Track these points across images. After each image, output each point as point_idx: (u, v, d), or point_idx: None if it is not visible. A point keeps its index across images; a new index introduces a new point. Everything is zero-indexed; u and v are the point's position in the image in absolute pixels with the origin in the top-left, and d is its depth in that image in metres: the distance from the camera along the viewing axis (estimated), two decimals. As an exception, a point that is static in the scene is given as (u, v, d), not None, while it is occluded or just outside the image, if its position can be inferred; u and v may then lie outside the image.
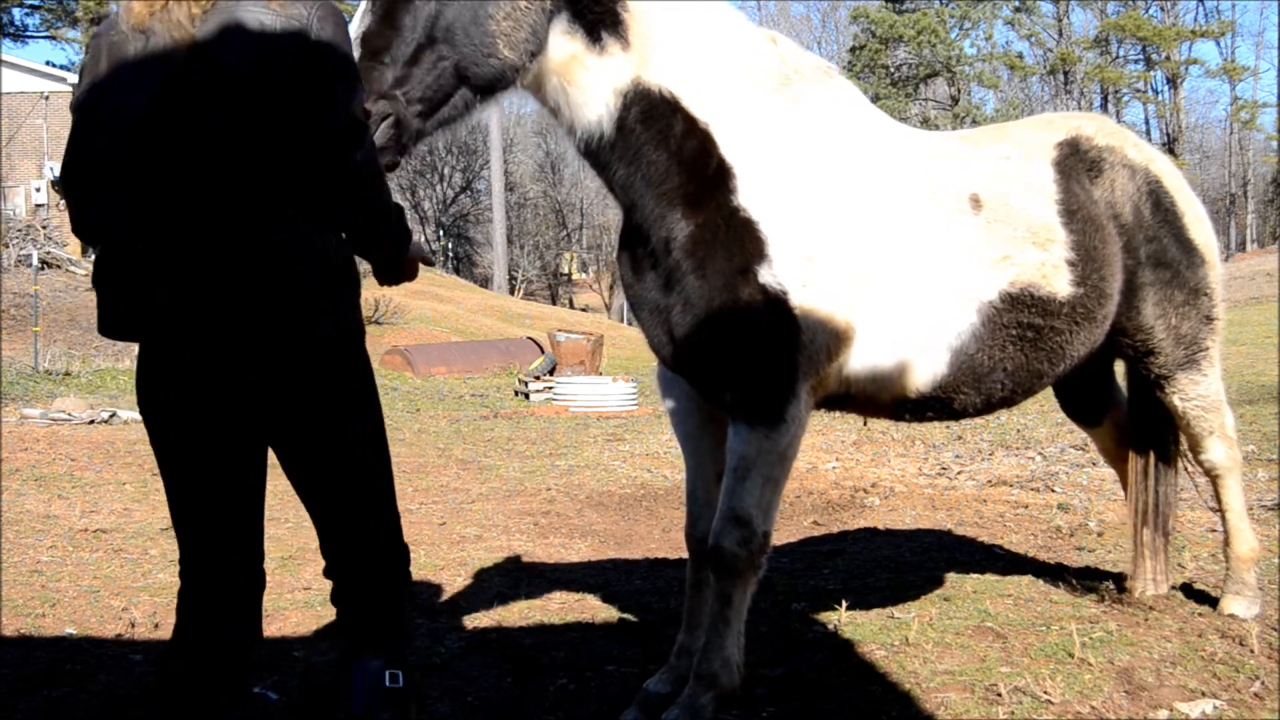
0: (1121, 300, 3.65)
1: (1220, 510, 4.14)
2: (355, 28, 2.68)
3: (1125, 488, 4.39)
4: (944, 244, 3.22)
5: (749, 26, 3.18)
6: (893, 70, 47.33)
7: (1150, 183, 3.73)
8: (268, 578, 5.29)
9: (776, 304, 2.90)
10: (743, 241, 2.90)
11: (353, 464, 2.56)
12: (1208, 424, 3.97)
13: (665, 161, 2.96)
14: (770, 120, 3.05)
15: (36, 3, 43.12)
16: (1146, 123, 51.27)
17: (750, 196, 2.95)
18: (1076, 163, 3.61)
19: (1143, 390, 4.04)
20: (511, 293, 44.65)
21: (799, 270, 2.92)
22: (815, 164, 3.07)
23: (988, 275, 3.28)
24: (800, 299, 2.92)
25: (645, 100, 2.93)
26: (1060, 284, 3.39)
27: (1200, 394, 3.92)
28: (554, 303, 49.73)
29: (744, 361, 2.94)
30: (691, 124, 2.96)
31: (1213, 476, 4.08)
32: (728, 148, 2.97)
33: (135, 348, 2.59)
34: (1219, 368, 3.98)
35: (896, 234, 3.14)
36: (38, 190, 32.12)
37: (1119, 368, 4.28)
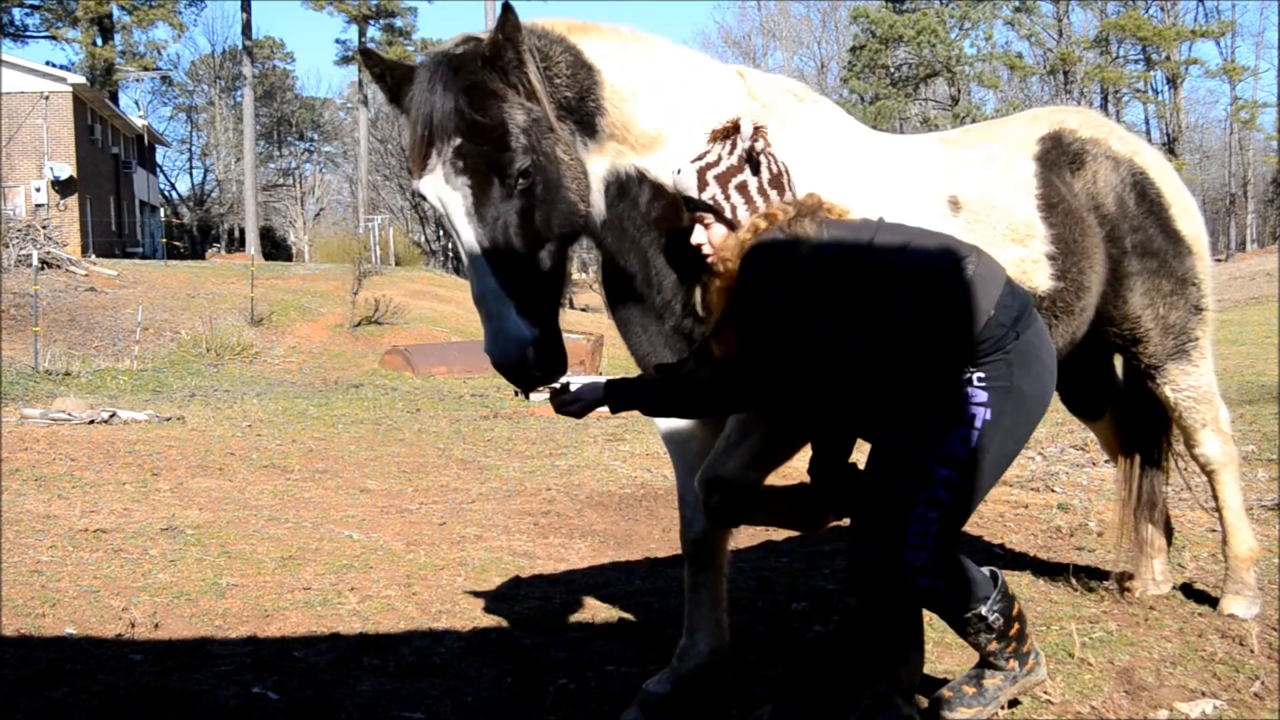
0: (1108, 289, 3.67)
1: (1217, 508, 4.14)
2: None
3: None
4: None
5: (714, 68, 3.21)
6: (893, 70, 47.34)
7: (1135, 173, 3.75)
8: (268, 577, 5.31)
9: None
10: None
11: None
12: (1200, 416, 3.97)
13: (640, 221, 3.05)
14: None
15: (36, 3, 43.12)
16: (1146, 123, 51.27)
17: None
18: (1059, 156, 3.64)
19: (1138, 383, 4.06)
20: (511, 293, 44.49)
21: None
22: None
23: None
24: None
25: (618, 181, 3.02)
26: (1040, 278, 3.42)
27: (1191, 385, 3.93)
28: (554, 303, 49.53)
29: None
30: (657, 188, 3.02)
31: (1208, 471, 4.08)
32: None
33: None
34: (1211, 360, 3.98)
35: None
36: (38, 190, 32.12)
37: (1120, 363, 4.28)
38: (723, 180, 2.77)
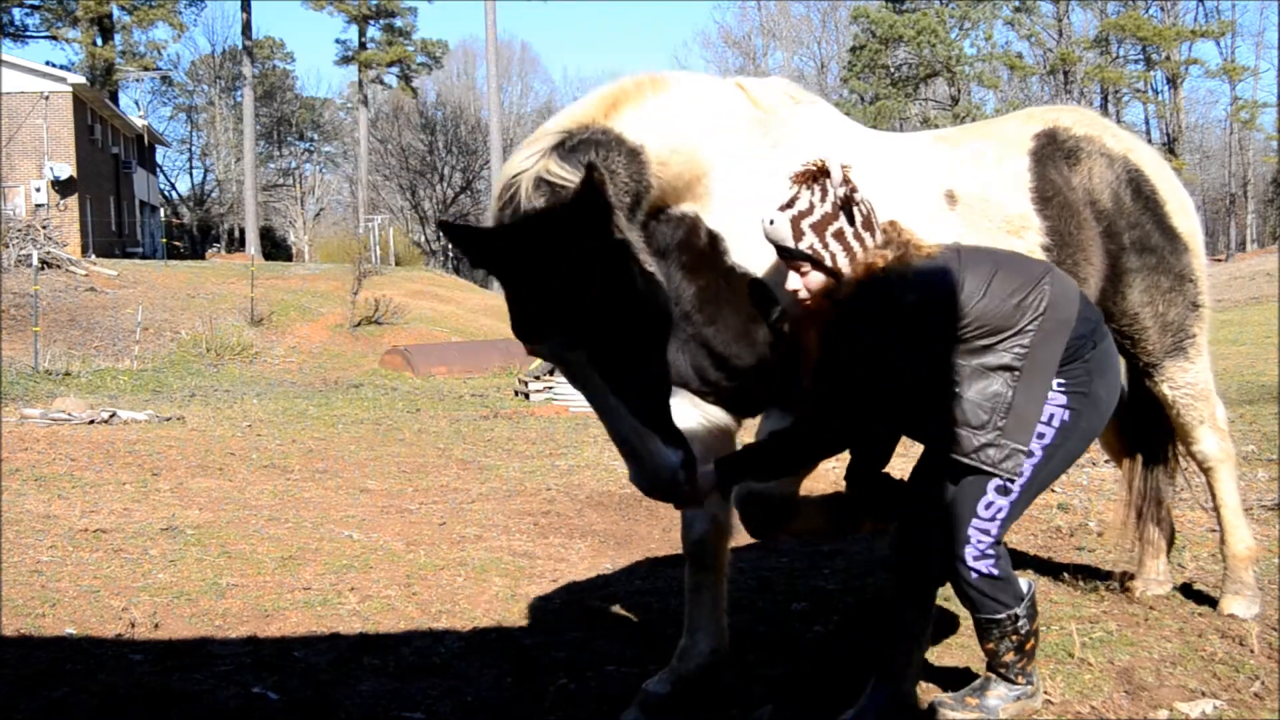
0: (1108, 285, 3.70)
1: (1215, 506, 4.14)
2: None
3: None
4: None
5: (716, 87, 3.24)
6: (893, 70, 47.31)
7: (1130, 171, 3.77)
8: (268, 577, 5.31)
9: (782, 337, 3.06)
10: (743, 294, 3.05)
11: None
12: (1197, 413, 3.99)
13: (666, 244, 3.09)
14: (751, 171, 3.14)
15: (36, 3, 43.11)
16: (1146, 123, 51.22)
17: (743, 253, 3.09)
18: (1054, 152, 3.67)
19: (1140, 382, 4.07)
20: (511, 293, 44.50)
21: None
22: None
23: None
24: None
25: (649, 224, 3.05)
26: None
27: (1189, 382, 3.95)
28: (554, 303, 49.48)
29: (759, 384, 3.15)
30: (679, 218, 3.07)
31: (1205, 469, 4.09)
32: (714, 218, 3.09)
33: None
34: (1207, 357, 4.00)
35: None
36: (38, 190, 32.11)
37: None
38: (819, 229, 2.77)
